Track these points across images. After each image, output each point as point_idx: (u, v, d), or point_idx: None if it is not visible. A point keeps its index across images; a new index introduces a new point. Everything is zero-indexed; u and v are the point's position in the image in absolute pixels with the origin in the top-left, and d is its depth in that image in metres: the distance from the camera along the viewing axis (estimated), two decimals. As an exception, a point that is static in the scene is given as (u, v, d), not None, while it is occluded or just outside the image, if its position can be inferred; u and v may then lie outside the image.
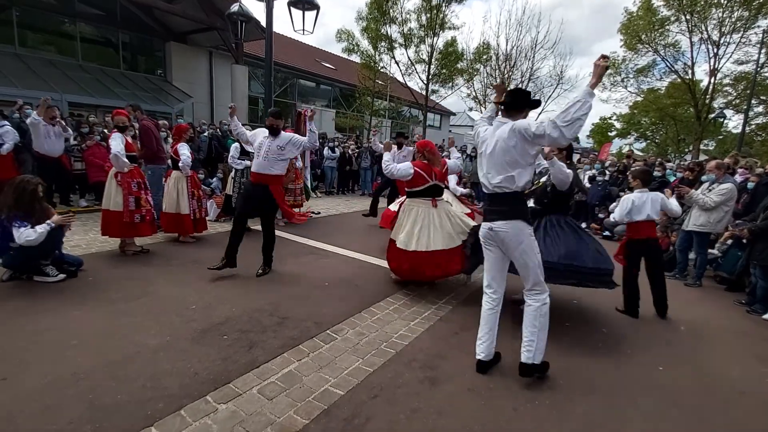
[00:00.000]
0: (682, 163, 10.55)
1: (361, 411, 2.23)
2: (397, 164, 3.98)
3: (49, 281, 3.67)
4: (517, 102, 2.57)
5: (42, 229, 3.55)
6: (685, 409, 2.49)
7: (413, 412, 2.26)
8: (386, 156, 4.06)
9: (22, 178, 3.70)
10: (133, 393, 2.22)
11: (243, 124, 6.36)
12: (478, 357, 2.72)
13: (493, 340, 2.73)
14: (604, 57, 2.24)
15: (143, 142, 5.48)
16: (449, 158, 4.56)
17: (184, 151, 5.11)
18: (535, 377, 2.62)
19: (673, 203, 4.01)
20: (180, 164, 5.12)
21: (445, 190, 4.45)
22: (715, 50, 17.82)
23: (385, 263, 5.02)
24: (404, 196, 4.36)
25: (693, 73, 19.14)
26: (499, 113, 2.64)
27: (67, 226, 3.92)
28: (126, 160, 4.36)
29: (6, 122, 6.19)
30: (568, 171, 3.36)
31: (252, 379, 2.44)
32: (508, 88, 2.67)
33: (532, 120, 2.43)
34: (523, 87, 22.37)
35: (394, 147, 6.02)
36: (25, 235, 3.46)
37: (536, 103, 2.74)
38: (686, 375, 2.91)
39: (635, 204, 3.87)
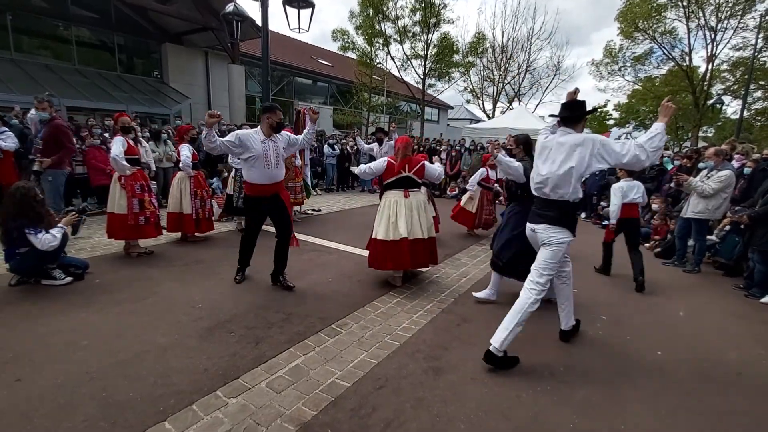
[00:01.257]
0: (680, 152, 10.55)
1: (367, 401, 2.29)
2: (371, 163, 4.25)
3: (57, 284, 3.72)
4: (575, 114, 2.72)
5: (59, 233, 3.66)
6: (684, 392, 2.55)
7: (418, 401, 2.32)
8: (361, 167, 4.34)
9: (17, 186, 3.69)
10: (144, 390, 2.28)
11: (242, 124, 6.41)
12: (561, 328, 3.14)
13: (570, 309, 3.10)
14: (669, 99, 2.54)
15: (56, 142, 5.24)
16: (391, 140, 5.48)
17: (185, 151, 5.16)
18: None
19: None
20: (180, 165, 5.17)
21: (422, 189, 4.35)
22: (713, 36, 17.77)
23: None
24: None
25: (690, 60, 19.11)
26: (559, 124, 2.79)
27: (82, 223, 3.99)
28: (126, 164, 4.40)
29: (5, 128, 6.22)
30: (517, 164, 3.54)
31: (260, 373, 2.50)
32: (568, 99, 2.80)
33: (613, 140, 2.61)
34: (520, 78, 22.36)
35: (375, 145, 6.03)
36: (48, 240, 3.55)
37: (593, 111, 2.94)
38: (685, 359, 2.97)
39: (624, 190, 4.55)
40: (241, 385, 2.38)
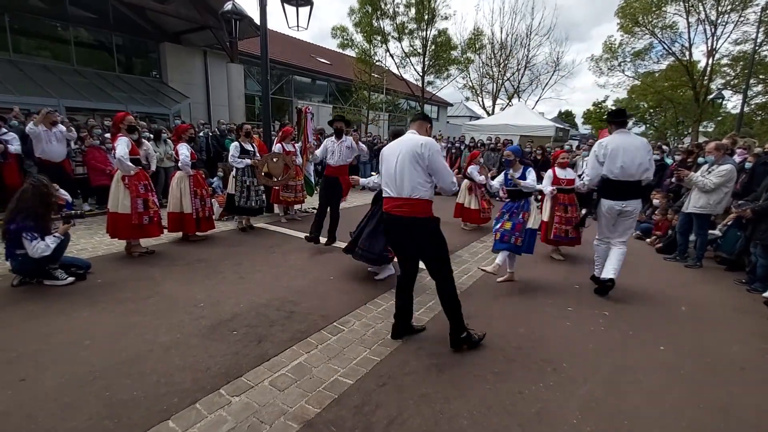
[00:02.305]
0: (680, 146, 10.53)
1: (370, 398, 2.29)
2: (375, 177, 4.22)
3: (59, 284, 3.73)
4: (625, 119, 4.01)
5: (53, 243, 3.64)
6: (686, 386, 2.56)
7: (421, 397, 2.32)
8: (369, 181, 4.34)
9: (31, 183, 3.71)
10: (148, 389, 2.29)
11: (243, 124, 6.41)
12: (600, 276, 4.01)
13: (603, 265, 4.04)
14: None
15: None
16: None
17: (183, 151, 5.15)
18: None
19: None
20: (179, 164, 5.17)
21: None
22: (713, 30, 17.71)
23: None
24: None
25: (690, 55, 19.06)
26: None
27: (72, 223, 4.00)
28: (130, 164, 4.40)
29: (6, 129, 6.24)
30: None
31: (263, 371, 2.51)
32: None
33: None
34: (520, 75, 22.32)
35: (329, 141, 5.43)
36: (41, 249, 3.56)
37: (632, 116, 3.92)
38: (687, 353, 2.97)
39: None
40: (244, 383, 2.38)
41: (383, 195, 2.84)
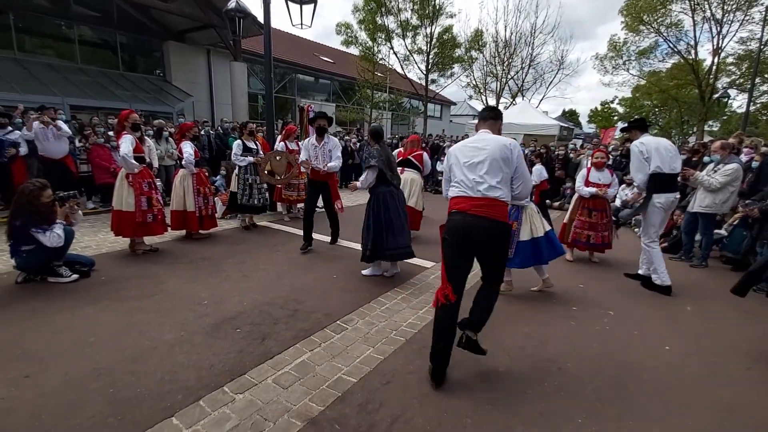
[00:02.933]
0: (685, 146, 10.45)
1: (374, 397, 2.28)
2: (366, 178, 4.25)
3: (63, 282, 3.74)
4: (647, 126, 4.34)
5: (60, 229, 3.67)
6: (692, 386, 2.53)
7: (425, 396, 2.31)
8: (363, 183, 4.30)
9: (25, 185, 3.71)
10: (152, 386, 2.29)
11: (246, 122, 6.41)
12: (664, 282, 4.13)
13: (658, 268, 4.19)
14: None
15: None
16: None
17: (187, 149, 5.16)
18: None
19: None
20: (183, 162, 5.18)
21: (417, 175, 5.86)
22: (719, 29, 17.55)
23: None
24: None
25: (696, 53, 18.90)
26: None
27: (74, 215, 4.00)
28: (134, 162, 4.41)
29: (11, 128, 6.28)
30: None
31: (266, 369, 2.51)
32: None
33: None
34: (523, 73, 22.23)
35: (309, 140, 4.93)
36: (56, 239, 3.59)
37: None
38: (694, 353, 2.95)
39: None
40: (247, 380, 2.38)
41: (454, 195, 2.54)
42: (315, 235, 5.23)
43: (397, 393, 2.33)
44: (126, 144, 4.32)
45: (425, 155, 5.98)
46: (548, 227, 3.87)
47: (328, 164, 4.86)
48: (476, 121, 3.13)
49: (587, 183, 4.94)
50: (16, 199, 3.65)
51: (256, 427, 2.01)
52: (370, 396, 2.29)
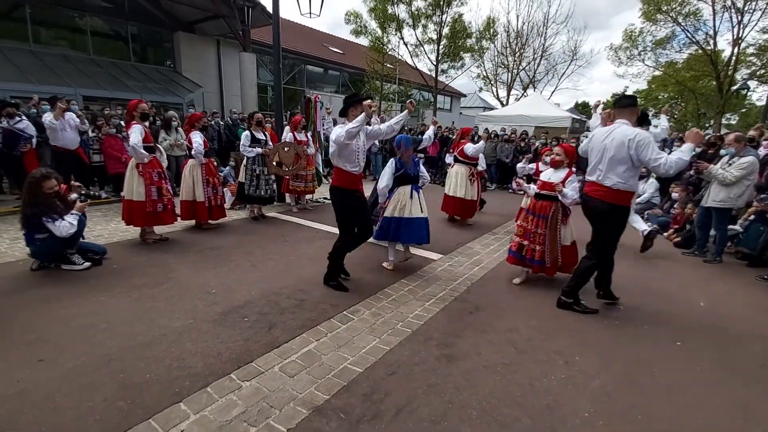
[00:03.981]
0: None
1: (379, 387, 2.29)
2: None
3: (76, 269, 3.81)
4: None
5: (74, 219, 3.73)
6: (703, 382, 2.49)
7: (430, 387, 2.31)
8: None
9: (32, 175, 3.76)
10: (161, 372, 2.33)
11: (254, 113, 6.39)
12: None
13: None
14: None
15: None
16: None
17: (197, 139, 5.18)
18: None
19: None
20: (193, 152, 5.20)
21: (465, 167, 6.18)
22: (740, 18, 17.00)
23: (398, 245, 5.09)
24: None
25: (715, 44, 18.34)
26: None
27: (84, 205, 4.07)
28: (144, 152, 4.44)
29: (22, 118, 6.38)
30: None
31: (273, 358, 2.53)
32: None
33: None
34: (535, 64, 21.85)
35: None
36: (66, 228, 3.64)
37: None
38: (705, 349, 2.90)
39: None
40: (254, 368, 2.41)
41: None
42: (324, 227, 5.22)
43: (403, 383, 2.33)
44: (135, 134, 4.35)
45: (464, 147, 6.06)
46: (424, 214, 4.16)
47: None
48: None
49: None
50: (24, 189, 3.71)
51: (262, 413, 2.03)
52: (376, 386, 2.30)
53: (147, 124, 4.63)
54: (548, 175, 3.86)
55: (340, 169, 3.49)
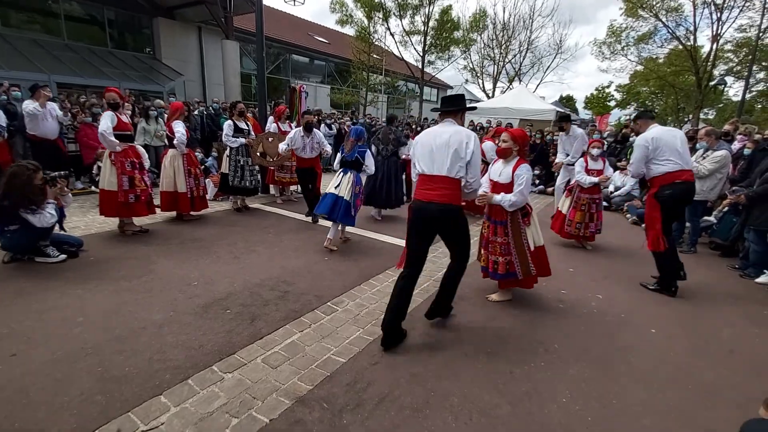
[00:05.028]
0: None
1: (362, 376, 2.31)
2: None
3: (51, 261, 3.70)
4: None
5: (52, 208, 3.63)
6: (676, 367, 2.59)
7: (413, 376, 2.34)
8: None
9: (11, 167, 3.63)
10: (140, 365, 2.29)
11: (236, 102, 6.28)
12: None
13: None
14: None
15: None
16: None
17: (179, 128, 5.04)
18: None
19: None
20: (175, 142, 5.06)
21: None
22: (719, 14, 17.38)
23: (381, 236, 5.10)
24: None
25: (695, 39, 18.72)
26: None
27: (65, 197, 3.94)
28: (114, 139, 4.29)
29: None
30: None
31: (256, 349, 2.51)
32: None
33: None
34: (521, 57, 21.96)
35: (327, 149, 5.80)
36: (47, 218, 3.56)
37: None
38: (678, 336, 3.00)
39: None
40: (236, 360, 2.39)
41: None
42: (297, 216, 5.29)
43: (386, 373, 2.35)
44: (105, 121, 4.20)
45: (483, 144, 5.99)
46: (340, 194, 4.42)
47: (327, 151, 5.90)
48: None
49: (587, 171, 4.91)
50: (6, 181, 3.55)
51: (245, 405, 2.02)
52: (359, 376, 2.31)
53: (129, 113, 4.47)
54: (498, 169, 3.23)
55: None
